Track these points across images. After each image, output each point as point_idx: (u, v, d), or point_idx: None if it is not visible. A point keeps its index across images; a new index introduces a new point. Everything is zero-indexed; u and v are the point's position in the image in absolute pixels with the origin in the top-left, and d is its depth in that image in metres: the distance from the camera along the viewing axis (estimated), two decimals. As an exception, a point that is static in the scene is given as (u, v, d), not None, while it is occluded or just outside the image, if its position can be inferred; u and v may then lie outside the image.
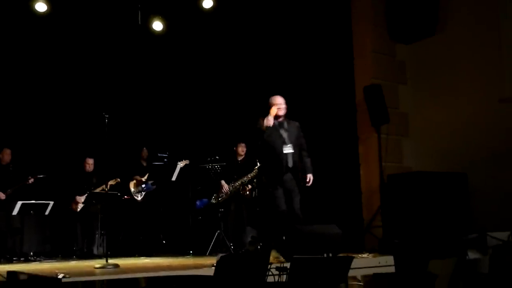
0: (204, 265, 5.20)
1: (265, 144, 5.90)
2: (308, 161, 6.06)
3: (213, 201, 8.08)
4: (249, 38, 9.15)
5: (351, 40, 8.28)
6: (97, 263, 5.74)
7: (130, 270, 5.22)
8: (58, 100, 9.10)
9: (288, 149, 5.89)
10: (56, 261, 7.55)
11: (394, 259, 4.98)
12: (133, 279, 4.43)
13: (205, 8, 8.53)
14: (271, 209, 6.00)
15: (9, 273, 4.15)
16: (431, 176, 7.05)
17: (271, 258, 4.49)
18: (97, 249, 8.56)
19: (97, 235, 8.58)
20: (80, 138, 9.04)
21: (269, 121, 5.77)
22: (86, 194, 8.17)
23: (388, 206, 7.26)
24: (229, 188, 7.94)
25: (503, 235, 5.50)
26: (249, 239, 7.65)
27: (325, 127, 8.30)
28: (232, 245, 7.71)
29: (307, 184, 5.97)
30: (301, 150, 6.03)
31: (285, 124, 6.01)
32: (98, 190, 8.21)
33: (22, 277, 4.06)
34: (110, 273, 4.89)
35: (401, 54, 8.40)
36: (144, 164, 8.97)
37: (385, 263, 5.56)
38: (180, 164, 8.31)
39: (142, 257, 7.98)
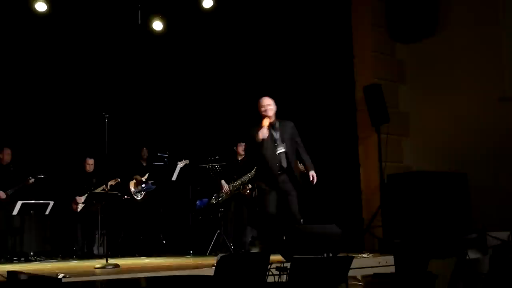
0: (204, 265, 5.20)
1: (257, 146, 5.78)
2: (307, 158, 5.95)
3: (213, 201, 8.08)
4: (249, 38, 9.15)
5: (351, 40, 8.28)
6: (97, 263, 5.74)
7: (130, 270, 5.22)
8: (58, 100, 9.09)
9: (281, 149, 5.79)
10: (56, 261, 7.56)
11: (394, 259, 4.97)
12: (133, 279, 4.42)
13: (205, 8, 8.52)
14: (261, 211, 5.95)
15: (10, 273, 4.14)
16: (431, 176, 7.04)
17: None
18: (97, 249, 8.57)
19: (97, 235, 8.59)
20: (80, 138, 9.04)
21: (264, 133, 5.67)
22: (86, 194, 8.18)
23: (388, 206, 7.26)
24: (229, 188, 7.94)
25: (503, 235, 5.50)
26: (249, 239, 7.66)
27: (325, 127, 8.31)
28: (232, 245, 7.71)
29: (312, 183, 5.88)
30: (298, 148, 5.91)
31: (277, 124, 5.88)
32: (98, 190, 8.22)
33: (22, 277, 4.06)
34: (110, 273, 4.89)
35: (401, 54, 8.40)
36: (144, 164, 8.98)
37: (385, 263, 5.56)
38: (180, 164, 8.32)
39: (142, 257, 7.99)
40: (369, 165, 7.89)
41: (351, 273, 4.37)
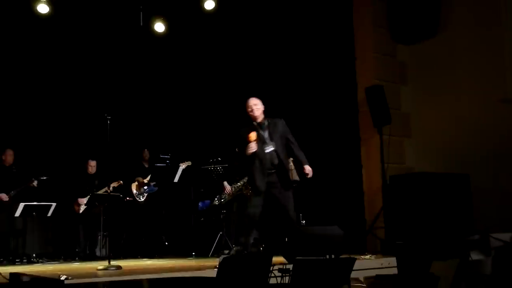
0: (207, 266, 5.20)
1: (246, 147, 5.71)
2: (301, 154, 5.88)
3: (216, 202, 8.07)
4: (251, 40, 9.15)
5: (353, 41, 8.28)
6: (100, 264, 5.74)
7: (132, 271, 5.22)
8: (60, 102, 9.11)
9: (269, 148, 5.73)
10: (59, 263, 7.57)
11: (397, 260, 4.96)
12: (136, 281, 4.43)
13: (206, 10, 8.53)
14: (243, 210, 5.88)
15: (12, 274, 4.15)
16: (433, 177, 7.04)
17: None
18: (100, 250, 8.57)
19: (99, 236, 8.59)
20: (83, 140, 9.05)
21: (252, 148, 5.63)
22: (88, 196, 8.19)
23: (390, 207, 7.25)
24: (231, 189, 7.94)
25: (506, 236, 5.50)
26: (251, 240, 7.64)
27: (327, 128, 8.31)
28: (234, 247, 7.69)
29: (307, 176, 5.82)
30: (290, 145, 5.85)
31: (266, 123, 5.83)
32: (100, 192, 8.23)
33: (24, 279, 4.06)
34: (112, 275, 4.89)
35: (402, 55, 8.40)
36: (146, 165, 8.99)
37: (387, 265, 5.56)
38: (182, 166, 8.32)
39: (144, 259, 7.99)
40: (371, 166, 7.88)
41: (353, 274, 4.37)
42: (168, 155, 9.07)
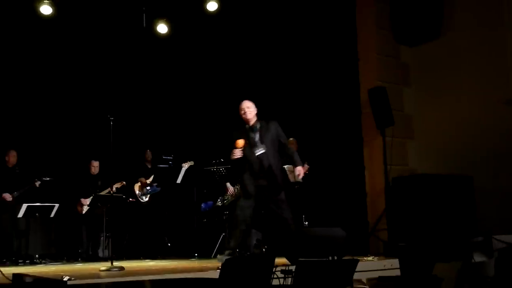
0: (209, 268, 5.20)
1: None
2: (295, 155, 5.88)
3: (219, 203, 8.07)
4: (254, 41, 9.16)
5: (356, 43, 8.28)
6: (102, 265, 5.74)
7: (135, 272, 5.23)
8: (63, 103, 9.12)
9: (260, 151, 5.71)
10: (61, 264, 7.57)
11: (400, 262, 4.96)
12: (138, 282, 4.43)
13: (209, 11, 8.53)
14: (233, 214, 5.86)
15: (15, 275, 4.16)
16: (436, 179, 7.03)
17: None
18: (102, 251, 8.57)
19: (102, 237, 8.59)
20: (85, 141, 9.06)
21: (235, 155, 5.64)
22: (91, 197, 8.20)
23: (393, 208, 7.24)
24: (234, 190, 7.93)
25: (509, 238, 5.49)
26: (254, 242, 7.64)
27: (330, 130, 8.31)
28: (237, 248, 7.69)
29: (299, 177, 5.82)
30: (283, 146, 5.82)
31: (258, 125, 5.81)
32: (103, 193, 8.24)
33: (27, 279, 4.07)
34: (115, 276, 4.89)
35: (405, 57, 8.40)
36: (149, 166, 8.99)
37: (390, 266, 5.56)
38: (185, 166, 8.31)
39: (147, 260, 8.00)
40: (374, 168, 7.87)
41: (356, 276, 4.37)
42: (171, 156, 9.08)
